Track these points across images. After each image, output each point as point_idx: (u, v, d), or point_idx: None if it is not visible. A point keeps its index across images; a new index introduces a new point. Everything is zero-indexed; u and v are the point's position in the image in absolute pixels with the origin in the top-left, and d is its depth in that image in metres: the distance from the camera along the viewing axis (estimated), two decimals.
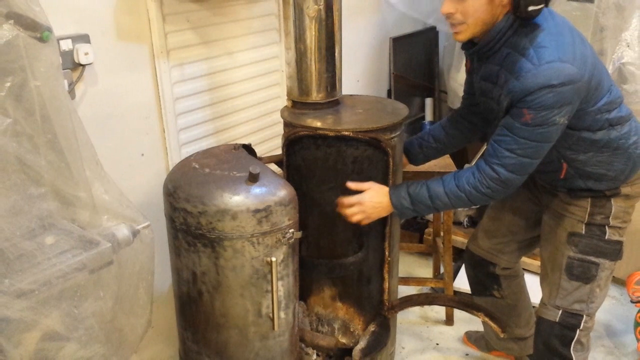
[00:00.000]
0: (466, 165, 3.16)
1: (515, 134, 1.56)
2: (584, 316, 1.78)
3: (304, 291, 1.89)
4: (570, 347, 1.80)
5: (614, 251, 1.76)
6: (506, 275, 2.08)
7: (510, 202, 2.00)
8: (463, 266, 2.85)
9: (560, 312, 1.80)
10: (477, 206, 1.69)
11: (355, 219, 1.73)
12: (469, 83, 1.92)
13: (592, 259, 1.74)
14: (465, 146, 3.18)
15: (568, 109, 1.53)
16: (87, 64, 1.60)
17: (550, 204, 1.84)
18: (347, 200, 1.72)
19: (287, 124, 1.79)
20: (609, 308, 2.70)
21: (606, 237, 1.74)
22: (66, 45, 1.55)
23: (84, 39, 1.59)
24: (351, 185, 1.73)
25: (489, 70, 1.65)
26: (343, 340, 1.98)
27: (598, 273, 1.76)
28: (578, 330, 1.79)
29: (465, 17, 1.55)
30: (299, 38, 1.71)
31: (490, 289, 2.11)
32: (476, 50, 1.65)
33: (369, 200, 1.71)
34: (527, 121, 1.52)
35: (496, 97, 1.64)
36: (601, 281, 1.77)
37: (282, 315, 1.64)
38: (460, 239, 2.89)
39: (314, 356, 1.89)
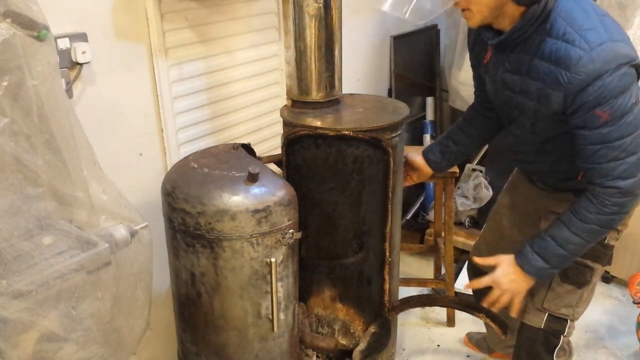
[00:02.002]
0: (467, 166, 3.15)
1: (605, 141, 1.41)
2: (568, 321, 1.73)
3: (304, 292, 1.88)
4: (554, 354, 1.75)
5: (608, 257, 1.71)
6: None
7: (509, 216, 1.96)
8: (464, 267, 2.85)
9: (546, 315, 1.73)
10: (614, 225, 1.55)
11: (504, 301, 1.63)
12: (479, 78, 1.82)
13: (589, 263, 1.68)
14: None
15: (634, 89, 1.39)
16: (84, 63, 1.59)
17: (552, 209, 1.77)
18: (481, 282, 1.66)
19: (286, 124, 1.78)
20: (611, 309, 2.69)
21: (605, 242, 1.67)
22: (63, 44, 1.54)
23: (82, 37, 1.58)
24: (477, 260, 1.69)
25: (517, 61, 1.52)
26: (343, 341, 1.97)
27: (592, 278, 1.71)
28: (562, 337, 1.74)
29: (468, 3, 1.46)
30: (299, 36, 1.70)
31: None
32: (503, 39, 1.51)
33: (502, 277, 1.61)
34: (606, 120, 1.38)
35: (530, 91, 1.51)
36: (591, 286, 1.72)
37: (282, 316, 1.63)
38: (461, 240, 2.88)
39: (314, 358, 1.88)
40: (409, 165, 1.97)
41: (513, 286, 1.61)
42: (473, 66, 1.82)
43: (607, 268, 2.82)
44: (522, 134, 1.65)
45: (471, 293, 2.24)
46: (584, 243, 1.54)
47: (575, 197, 1.69)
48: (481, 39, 1.62)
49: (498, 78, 1.62)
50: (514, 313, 1.65)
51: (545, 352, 1.76)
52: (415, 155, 1.95)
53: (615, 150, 1.42)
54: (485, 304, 1.69)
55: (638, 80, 1.45)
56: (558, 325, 1.74)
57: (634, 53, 1.41)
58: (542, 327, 1.74)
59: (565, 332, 1.74)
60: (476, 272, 2.09)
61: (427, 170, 1.95)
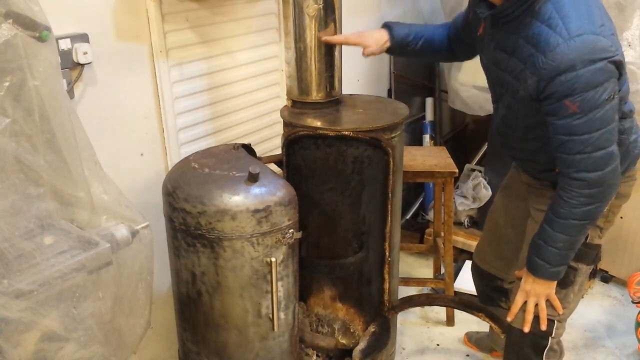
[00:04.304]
0: (467, 166, 3.15)
1: (572, 133, 1.41)
2: (556, 322, 1.71)
3: (304, 292, 1.88)
4: (543, 356, 1.74)
5: (593, 255, 1.70)
6: (513, 288, 2.05)
7: (504, 216, 1.96)
8: (464, 266, 2.86)
9: (533, 317, 1.71)
10: (594, 217, 1.54)
11: (530, 306, 1.66)
12: (462, 26, 1.81)
13: (572, 263, 1.65)
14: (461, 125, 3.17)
15: (610, 85, 1.38)
16: (86, 64, 1.60)
17: (534, 205, 1.77)
18: (518, 304, 1.67)
19: (286, 124, 1.79)
20: (610, 309, 2.70)
21: (587, 241, 1.66)
22: (65, 44, 1.54)
23: (83, 38, 1.58)
24: (517, 273, 1.73)
25: (505, 39, 1.51)
26: (343, 341, 1.97)
27: (576, 278, 1.69)
28: (550, 338, 1.73)
29: None
30: (299, 37, 1.71)
31: (498, 301, 2.07)
32: (493, 14, 1.50)
33: (524, 284, 1.65)
34: (574, 112, 1.38)
35: (515, 71, 1.50)
36: (576, 286, 1.71)
37: (282, 315, 1.63)
38: (461, 239, 2.88)
39: (314, 357, 1.88)
40: (361, 40, 1.80)
41: (535, 290, 1.63)
42: (467, 19, 1.78)
43: (606, 268, 2.84)
44: (508, 114, 1.64)
45: (472, 293, 2.25)
46: (570, 239, 1.54)
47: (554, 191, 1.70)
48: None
49: (490, 55, 1.61)
50: (558, 310, 1.67)
51: (535, 354, 1.75)
52: (370, 30, 1.84)
53: (581, 144, 1.42)
54: (511, 315, 1.70)
55: (620, 77, 1.44)
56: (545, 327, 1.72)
57: (614, 49, 1.39)
58: (529, 328, 1.72)
59: (554, 334, 1.73)
60: (481, 275, 2.10)
61: (383, 40, 1.80)
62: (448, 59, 1.94)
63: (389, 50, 1.85)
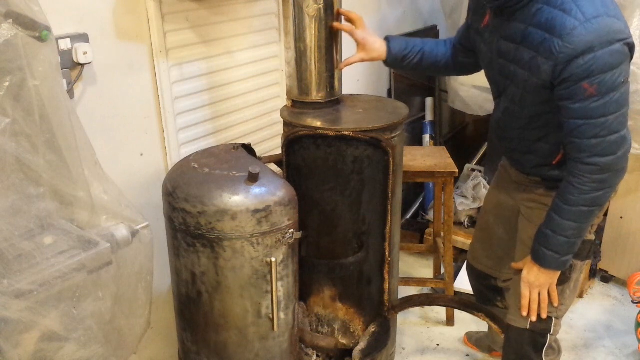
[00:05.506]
0: (467, 166, 3.15)
1: (589, 116, 1.40)
2: (553, 319, 1.71)
3: (304, 292, 1.88)
4: (542, 353, 1.75)
5: (587, 251, 1.70)
6: (508, 287, 2.03)
7: (495, 215, 1.96)
8: (464, 266, 2.86)
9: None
10: (602, 203, 1.53)
11: (534, 297, 1.66)
12: (466, 31, 1.80)
13: None
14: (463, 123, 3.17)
15: (625, 67, 1.39)
16: (86, 64, 1.60)
17: (524, 202, 1.77)
18: (525, 297, 1.66)
19: (286, 124, 1.79)
20: (610, 308, 2.70)
21: None
22: (65, 44, 1.54)
23: (83, 38, 1.58)
24: (513, 265, 1.75)
25: (513, 29, 1.50)
26: (343, 341, 1.98)
27: (571, 275, 1.70)
28: (549, 335, 1.73)
29: None
30: (299, 37, 1.71)
31: (494, 300, 2.08)
32: (501, 4, 1.49)
33: (527, 275, 1.64)
34: (592, 94, 1.37)
35: (523, 60, 1.49)
36: (572, 283, 1.71)
37: (282, 315, 1.64)
38: (461, 239, 2.88)
39: (314, 357, 1.88)
40: (362, 44, 1.80)
41: (540, 281, 1.63)
42: (468, 25, 1.78)
43: (606, 268, 2.84)
44: (510, 106, 1.63)
45: (472, 293, 2.25)
46: (579, 226, 1.53)
47: (545, 188, 1.69)
48: (482, 3, 1.60)
49: (494, 47, 1.60)
50: (554, 302, 1.67)
51: (534, 352, 1.75)
52: (375, 37, 1.82)
53: (597, 128, 1.41)
54: (524, 310, 1.69)
55: (630, 60, 1.44)
56: (543, 325, 1.72)
57: (628, 31, 1.40)
58: (528, 327, 1.73)
59: (552, 331, 1.73)
60: (476, 274, 2.10)
61: (379, 52, 1.80)
62: (449, 73, 1.94)
63: (385, 63, 1.85)
